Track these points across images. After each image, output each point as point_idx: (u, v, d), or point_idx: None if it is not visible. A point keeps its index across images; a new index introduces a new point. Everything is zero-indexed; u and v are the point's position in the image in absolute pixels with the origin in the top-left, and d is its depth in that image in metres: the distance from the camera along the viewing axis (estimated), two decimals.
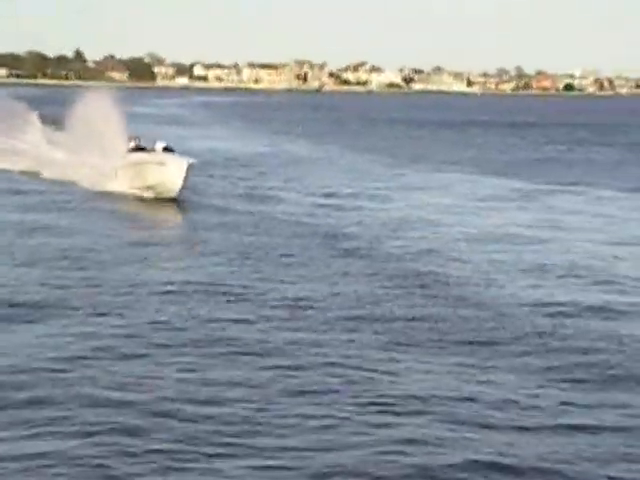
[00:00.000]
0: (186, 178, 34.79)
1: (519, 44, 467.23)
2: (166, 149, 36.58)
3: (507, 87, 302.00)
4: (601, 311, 19.90)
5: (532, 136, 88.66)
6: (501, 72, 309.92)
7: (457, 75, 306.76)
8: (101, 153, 40.08)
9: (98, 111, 42.35)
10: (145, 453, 12.19)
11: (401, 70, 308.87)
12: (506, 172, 50.81)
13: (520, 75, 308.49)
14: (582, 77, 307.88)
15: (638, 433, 13.19)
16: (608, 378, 15.50)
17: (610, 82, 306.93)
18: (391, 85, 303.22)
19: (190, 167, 34.80)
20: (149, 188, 35.75)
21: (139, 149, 37.31)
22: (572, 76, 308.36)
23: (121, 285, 21.34)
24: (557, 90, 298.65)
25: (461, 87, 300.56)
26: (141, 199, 35.87)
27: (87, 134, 42.00)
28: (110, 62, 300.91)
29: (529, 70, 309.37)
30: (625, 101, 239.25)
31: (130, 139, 38.35)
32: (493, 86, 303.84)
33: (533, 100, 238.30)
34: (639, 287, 22.45)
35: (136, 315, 18.76)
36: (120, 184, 37.08)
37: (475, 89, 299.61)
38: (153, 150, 36.66)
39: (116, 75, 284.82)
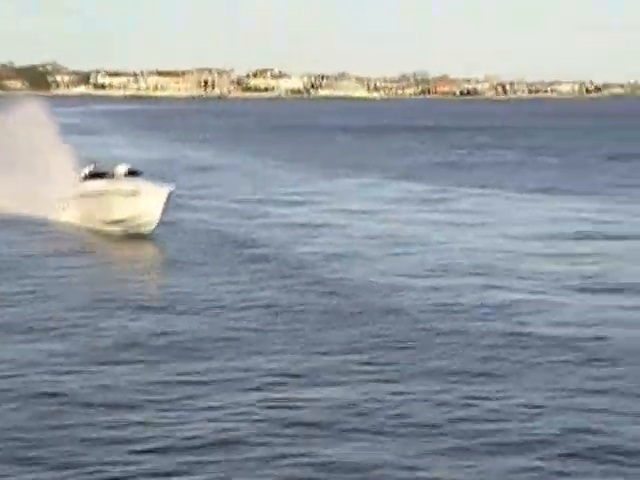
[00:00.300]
0: (164, 209, 28.61)
1: (422, 50, 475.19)
2: (131, 173, 30.30)
3: (410, 92, 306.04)
4: (503, 309, 20.39)
5: (434, 140, 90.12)
6: (403, 77, 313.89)
7: (361, 80, 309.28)
8: (38, 177, 32.64)
9: (25, 125, 35.07)
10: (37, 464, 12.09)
11: (306, 76, 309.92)
12: (409, 176, 51.56)
13: (422, 80, 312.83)
14: (483, 81, 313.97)
15: (532, 424, 13.58)
16: (507, 374, 15.90)
17: (510, 85, 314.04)
18: (296, 91, 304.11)
19: (170, 196, 28.57)
20: (116, 223, 29.56)
21: (97, 175, 30.96)
22: (472, 80, 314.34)
23: (24, 298, 20.96)
24: (457, 94, 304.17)
25: (365, 92, 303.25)
26: (104, 235, 29.73)
27: (16, 153, 34.05)
28: (5, 70, 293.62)
29: (432, 75, 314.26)
30: (523, 105, 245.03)
31: (87, 164, 32.05)
32: (396, 91, 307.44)
33: (434, 104, 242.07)
34: (540, 284, 23.08)
35: (37, 326, 18.48)
36: (72, 217, 30.97)
37: (379, 94, 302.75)
38: (113, 175, 30.32)
39: (12, 84, 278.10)
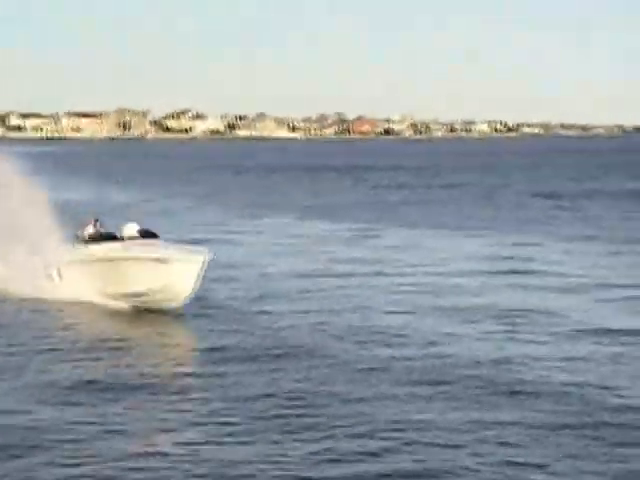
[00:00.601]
0: (198, 282, 23.61)
1: (340, 90, 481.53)
2: (146, 234, 25.18)
3: (330, 132, 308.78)
4: (424, 345, 20.48)
5: (355, 179, 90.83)
6: (322, 117, 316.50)
7: (280, 121, 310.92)
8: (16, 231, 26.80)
9: None
10: None
11: (224, 117, 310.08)
12: (331, 215, 51.79)
13: (341, 120, 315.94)
14: (399, 121, 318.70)
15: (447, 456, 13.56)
16: (427, 409, 15.95)
17: (426, 126, 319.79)
18: (215, 132, 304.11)
19: (204, 264, 23.43)
20: (134, 296, 24.35)
21: (105, 238, 25.38)
22: (390, 120, 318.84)
23: None
24: (377, 134, 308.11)
25: (285, 132, 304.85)
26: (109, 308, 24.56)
27: None
28: None
29: (350, 115, 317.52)
30: (442, 144, 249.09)
31: (87, 223, 26.24)
32: (316, 131, 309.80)
33: (355, 144, 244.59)
34: (460, 319, 23.26)
35: None
36: (71, 288, 25.05)
37: (298, 134, 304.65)
38: (122, 237, 25.07)
39: None
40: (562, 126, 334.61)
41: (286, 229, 45.01)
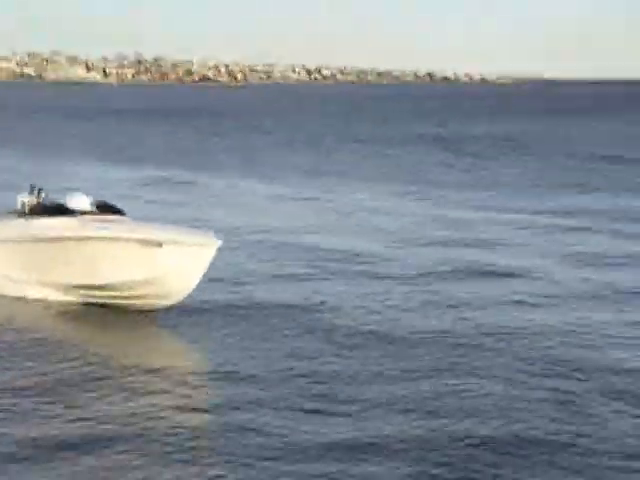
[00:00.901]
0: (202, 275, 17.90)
1: (136, 29, 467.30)
2: (107, 209, 19.22)
3: (140, 75, 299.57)
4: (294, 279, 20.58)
5: (174, 124, 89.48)
6: (120, 57, 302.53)
7: (75, 60, 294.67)
8: None
9: None
10: None
11: (28, 56, 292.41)
12: (144, 161, 51.05)
13: (140, 61, 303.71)
14: (199, 63, 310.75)
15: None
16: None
17: (242, 73, 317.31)
18: (22, 75, 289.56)
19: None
20: (100, 289, 18.33)
21: (51, 211, 19.08)
22: (197, 64, 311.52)
23: None
24: (191, 79, 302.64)
25: (94, 75, 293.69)
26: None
27: None
28: None
29: (147, 56, 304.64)
30: (256, 91, 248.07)
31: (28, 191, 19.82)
32: (121, 74, 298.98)
33: (173, 90, 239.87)
34: (277, 260, 23.49)
35: None
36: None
37: (112, 80, 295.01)
38: (73, 211, 18.84)
39: None
40: (374, 73, 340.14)
41: (90, 175, 43.84)
